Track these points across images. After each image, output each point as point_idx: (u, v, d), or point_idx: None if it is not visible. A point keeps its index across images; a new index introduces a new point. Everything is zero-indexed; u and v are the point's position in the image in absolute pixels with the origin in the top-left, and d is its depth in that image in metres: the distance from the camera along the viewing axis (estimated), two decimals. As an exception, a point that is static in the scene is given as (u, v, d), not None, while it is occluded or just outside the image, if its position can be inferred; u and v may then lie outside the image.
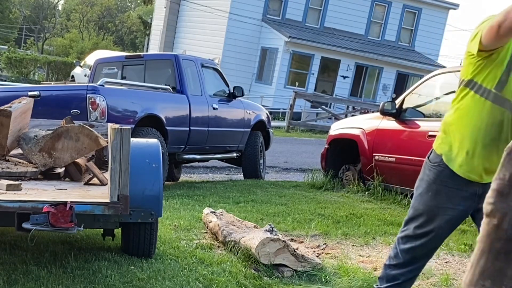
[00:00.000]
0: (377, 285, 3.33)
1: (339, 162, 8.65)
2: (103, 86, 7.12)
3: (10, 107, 4.36)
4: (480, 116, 2.89)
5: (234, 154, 9.51)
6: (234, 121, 9.28)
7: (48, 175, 4.16)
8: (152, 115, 7.50)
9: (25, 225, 3.19)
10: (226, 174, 10.80)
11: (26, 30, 60.97)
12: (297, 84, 25.22)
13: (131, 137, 3.46)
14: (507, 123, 2.88)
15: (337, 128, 8.83)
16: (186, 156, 8.51)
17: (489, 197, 1.74)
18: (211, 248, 4.71)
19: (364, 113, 18.12)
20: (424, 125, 7.31)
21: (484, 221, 1.70)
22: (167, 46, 28.20)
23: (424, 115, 7.65)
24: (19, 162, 4.26)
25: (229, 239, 4.70)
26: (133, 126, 6.94)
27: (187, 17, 28.20)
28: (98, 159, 4.48)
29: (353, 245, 5.21)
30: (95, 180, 4.11)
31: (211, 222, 5.20)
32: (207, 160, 9.71)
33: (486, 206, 1.77)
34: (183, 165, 9.74)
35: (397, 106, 7.67)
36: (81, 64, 25.89)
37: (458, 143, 2.96)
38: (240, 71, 24.48)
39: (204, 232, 5.25)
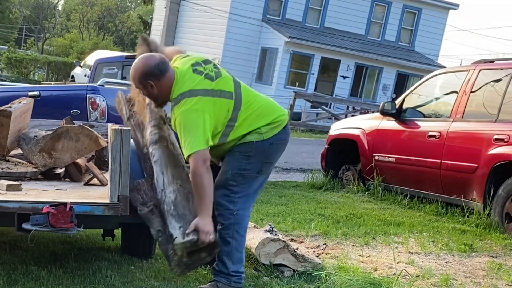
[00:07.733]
0: None
1: (339, 162, 8.65)
2: (103, 86, 7.12)
3: (10, 107, 4.35)
4: None
5: (234, 154, 9.46)
6: (234, 121, 9.24)
7: (48, 175, 4.15)
8: (152, 115, 7.47)
9: (25, 226, 3.18)
10: (226, 174, 10.76)
11: (26, 30, 60.93)
12: (297, 84, 25.20)
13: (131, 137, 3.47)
14: None
15: (337, 128, 8.83)
16: (186, 156, 8.49)
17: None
18: (211, 248, 4.70)
19: (364, 113, 18.11)
20: (424, 125, 7.32)
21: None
22: (167, 46, 28.14)
23: (424, 115, 7.66)
24: (19, 163, 4.25)
25: (229, 239, 4.69)
26: (133, 126, 6.92)
27: (187, 17, 28.19)
28: (98, 160, 4.48)
29: (353, 245, 5.21)
30: (95, 181, 4.11)
31: (211, 222, 5.19)
32: (207, 160, 9.67)
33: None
34: (183, 165, 9.70)
35: (397, 106, 7.68)
36: (81, 64, 25.84)
37: None
38: (240, 71, 24.44)
39: (204, 232, 5.24)
